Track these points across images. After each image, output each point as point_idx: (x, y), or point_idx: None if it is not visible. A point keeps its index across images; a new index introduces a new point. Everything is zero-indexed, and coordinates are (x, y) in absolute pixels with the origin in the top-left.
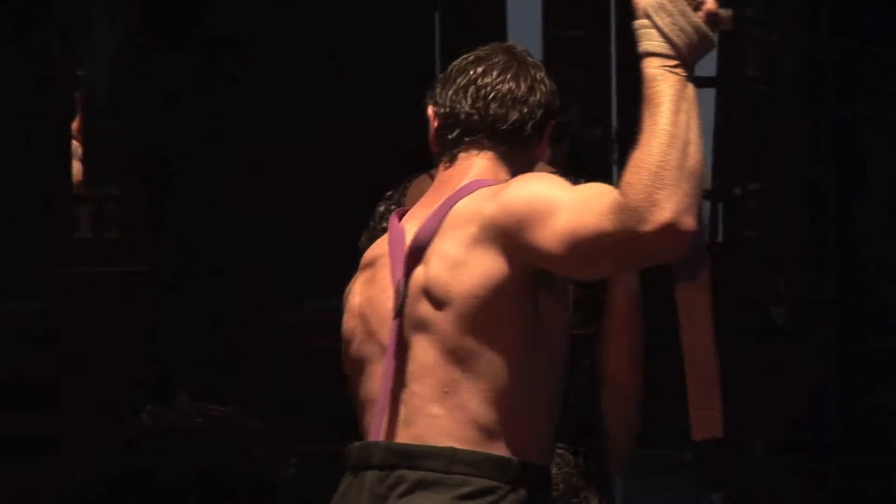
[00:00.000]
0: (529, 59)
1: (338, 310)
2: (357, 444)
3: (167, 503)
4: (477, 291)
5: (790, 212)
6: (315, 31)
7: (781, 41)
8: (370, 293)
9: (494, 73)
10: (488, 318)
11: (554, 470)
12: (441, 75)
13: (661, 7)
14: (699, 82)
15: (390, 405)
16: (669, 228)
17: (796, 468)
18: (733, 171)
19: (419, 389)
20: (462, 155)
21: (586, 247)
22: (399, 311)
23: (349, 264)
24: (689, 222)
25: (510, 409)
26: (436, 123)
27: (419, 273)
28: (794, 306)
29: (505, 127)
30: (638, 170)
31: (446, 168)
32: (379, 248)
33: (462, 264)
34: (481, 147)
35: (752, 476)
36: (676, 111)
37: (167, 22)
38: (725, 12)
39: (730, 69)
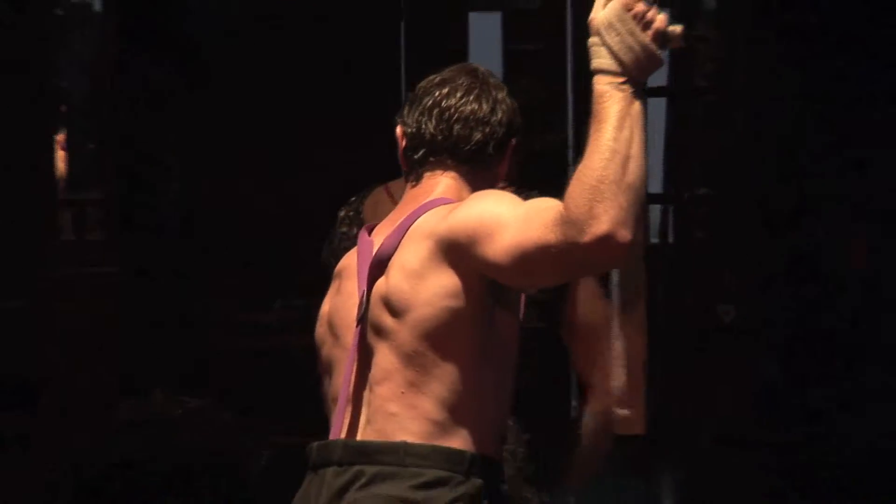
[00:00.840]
0: (492, 79)
1: (303, 309)
2: (316, 443)
3: (145, 494)
4: (433, 301)
5: (738, 214)
6: (284, 39)
7: (730, 53)
8: (337, 302)
9: (458, 95)
10: (444, 327)
11: None
12: (410, 94)
13: (611, 26)
14: (652, 92)
15: (353, 405)
16: (606, 240)
17: (743, 461)
18: (683, 175)
19: (380, 391)
20: (427, 174)
21: (531, 259)
22: (361, 319)
23: (316, 266)
24: (625, 235)
25: (463, 408)
26: (403, 143)
27: (381, 283)
28: (742, 305)
29: (468, 147)
30: (579, 183)
31: (413, 187)
32: (348, 260)
33: (420, 276)
34: (445, 167)
35: (700, 468)
36: (620, 127)
37: (142, 31)
38: (675, 30)
39: (681, 80)
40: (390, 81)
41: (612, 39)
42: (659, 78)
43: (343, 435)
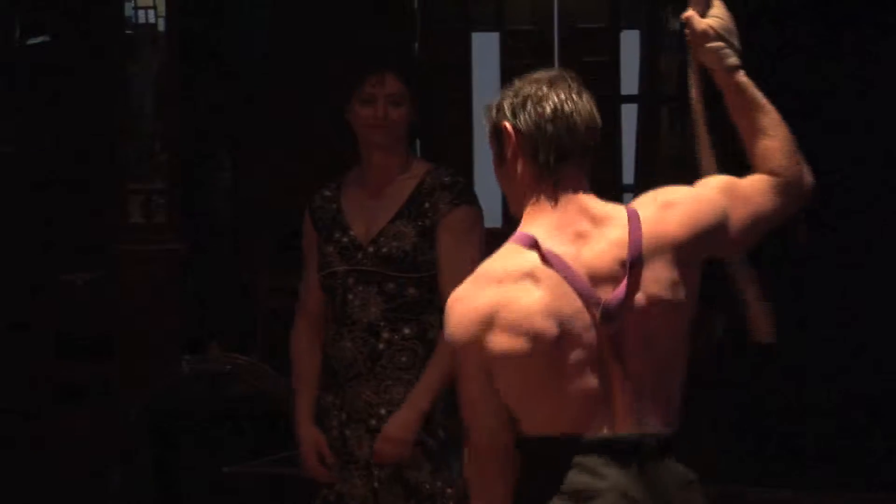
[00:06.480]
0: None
1: None
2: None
3: (200, 433)
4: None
5: None
6: (312, 59)
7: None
8: None
9: (569, 96)
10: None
11: None
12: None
13: (732, 31)
14: (625, 99)
15: None
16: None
17: (692, 400)
18: (651, 168)
19: None
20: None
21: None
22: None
23: None
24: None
25: None
26: (514, 140)
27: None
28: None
29: (591, 145)
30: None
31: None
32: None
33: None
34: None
35: None
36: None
37: (199, 48)
38: None
39: (649, 88)
40: None
41: (736, 41)
42: (631, 87)
43: None
